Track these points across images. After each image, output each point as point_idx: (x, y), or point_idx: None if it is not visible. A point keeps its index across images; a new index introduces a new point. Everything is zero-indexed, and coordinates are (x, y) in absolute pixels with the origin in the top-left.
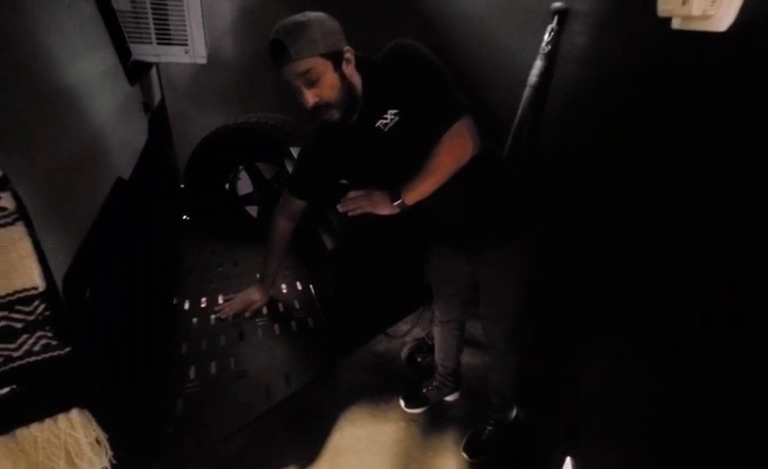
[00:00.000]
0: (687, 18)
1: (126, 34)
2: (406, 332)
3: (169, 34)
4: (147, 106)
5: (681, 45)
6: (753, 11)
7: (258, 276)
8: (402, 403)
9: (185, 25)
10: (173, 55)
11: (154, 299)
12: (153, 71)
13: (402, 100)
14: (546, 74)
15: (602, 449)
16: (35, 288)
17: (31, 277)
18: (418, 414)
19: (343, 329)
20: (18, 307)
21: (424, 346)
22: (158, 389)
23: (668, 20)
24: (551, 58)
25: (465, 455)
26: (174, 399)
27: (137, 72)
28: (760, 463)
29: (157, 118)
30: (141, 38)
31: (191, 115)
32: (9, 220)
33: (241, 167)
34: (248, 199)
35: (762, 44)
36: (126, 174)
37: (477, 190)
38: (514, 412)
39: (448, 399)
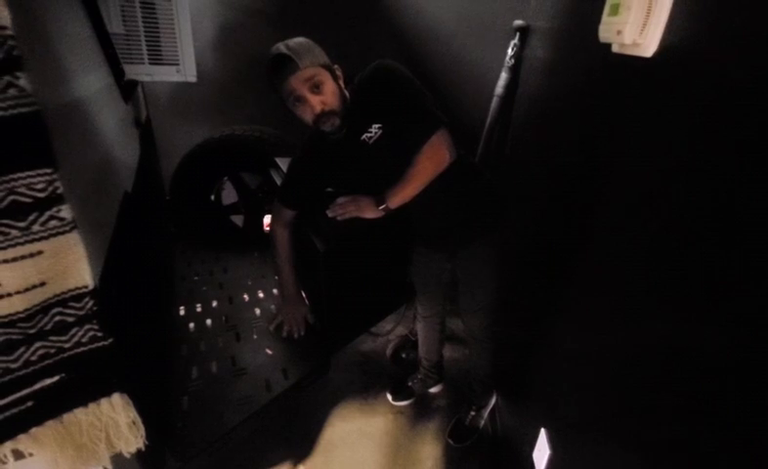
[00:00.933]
0: (622, 45)
1: (120, 55)
2: (390, 331)
3: (161, 54)
4: (137, 121)
5: (619, 66)
6: (671, 41)
7: (283, 293)
8: (389, 396)
9: (176, 46)
10: (165, 74)
11: (158, 304)
12: (139, 89)
13: (384, 115)
14: (511, 85)
15: (573, 420)
16: (86, 286)
17: (83, 277)
18: (405, 406)
19: (334, 327)
20: (71, 303)
21: (408, 343)
22: (165, 387)
23: (609, 45)
24: (515, 70)
25: (451, 441)
26: (179, 396)
27: (129, 91)
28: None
29: (145, 133)
30: (133, 59)
31: (175, 130)
32: (67, 228)
33: (226, 178)
34: (233, 209)
35: (678, 67)
36: (129, 187)
37: (453, 192)
38: (494, 398)
39: (433, 390)
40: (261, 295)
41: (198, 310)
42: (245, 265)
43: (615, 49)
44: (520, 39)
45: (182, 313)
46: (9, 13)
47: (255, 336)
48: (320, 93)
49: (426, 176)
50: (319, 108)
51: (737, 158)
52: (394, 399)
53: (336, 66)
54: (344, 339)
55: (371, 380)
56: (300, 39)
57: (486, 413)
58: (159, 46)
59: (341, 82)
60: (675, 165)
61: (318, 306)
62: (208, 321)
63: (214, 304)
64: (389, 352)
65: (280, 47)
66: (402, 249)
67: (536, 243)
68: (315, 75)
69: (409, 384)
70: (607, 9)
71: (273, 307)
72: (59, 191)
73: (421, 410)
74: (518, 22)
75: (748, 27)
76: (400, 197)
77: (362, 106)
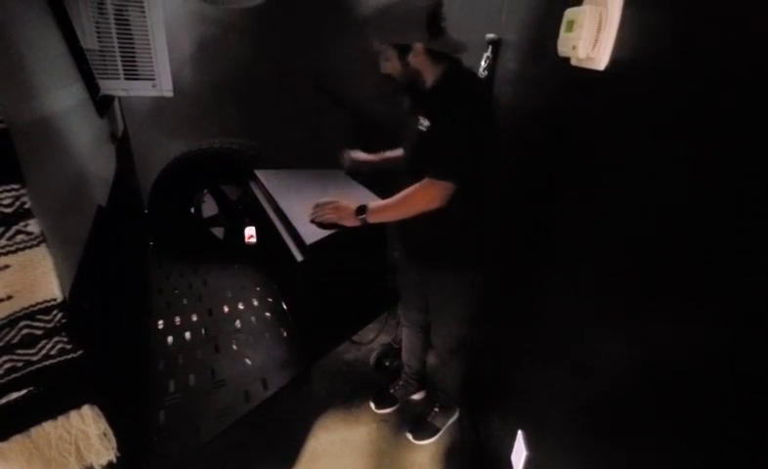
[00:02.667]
0: (578, 58)
1: (94, 71)
2: (373, 339)
3: (136, 70)
4: (113, 135)
5: (577, 78)
6: (620, 55)
7: None
8: (372, 405)
9: (151, 61)
10: (140, 89)
11: (133, 317)
12: (116, 103)
13: (435, 121)
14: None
15: (547, 419)
16: (54, 299)
17: (52, 290)
18: (388, 414)
19: (314, 336)
20: (39, 316)
21: (391, 351)
22: (141, 400)
23: (567, 58)
24: (488, 81)
25: (410, 436)
26: (156, 410)
27: (104, 105)
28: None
29: (121, 148)
30: (108, 74)
31: (152, 144)
32: (35, 242)
33: (206, 191)
34: (213, 221)
35: (627, 79)
36: (103, 202)
37: (432, 219)
38: (456, 414)
39: (415, 397)
40: (241, 307)
41: (177, 323)
42: (225, 277)
43: (573, 62)
44: (492, 52)
45: (160, 326)
46: None
47: (235, 347)
48: (385, 62)
49: (411, 208)
50: (383, 72)
51: (682, 162)
52: (377, 406)
53: (419, 47)
54: (325, 348)
55: (355, 389)
56: (386, 5)
57: (450, 419)
58: (135, 61)
59: (413, 59)
60: (630, 170)
61: (297, 316)
62: (187, 334)
63: (194, 317)
64: (372, 360)
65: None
66: (381, 257)
67: (506, 249)
68: (380, 51)
69: (391, 391)
70: (563, 25)
71: (253, 318)
72: (26, 206)
73: (405, 419)
74: (490, 36)
75: (686, 41)
76: (380, 216)
77: (435, 99)
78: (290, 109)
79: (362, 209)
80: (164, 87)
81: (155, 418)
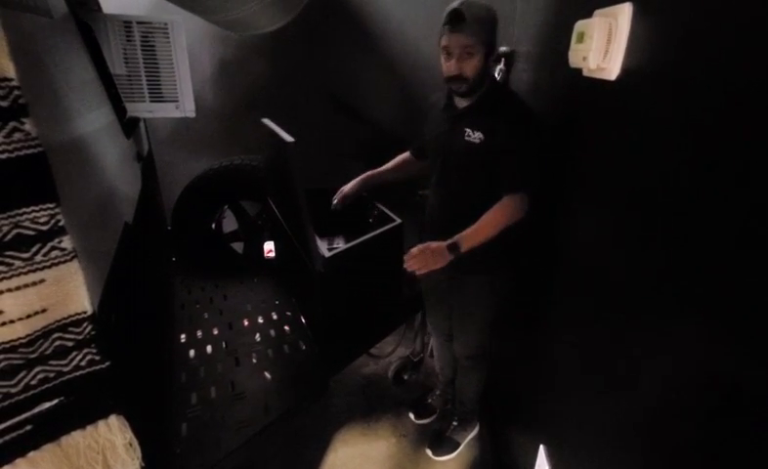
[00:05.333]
0: (589, 69)
1: (122, 94)
2: (391, 352)
3: (161, 92)
4: (139, 155)
5: (588, 88)
6: (631, 65)
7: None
8: (411, 416)
9: (175, 84)
10: (165, 111)
11: (157, 331)
12: (141, 124)
13: (494, 135)
14: None
15: (574, 436)
16: (85, 312)
17: (83, 303)
18: (408, 432)
19: (332, 349)
20: (70, 328)
21: (409, 364)
22: (164, 412)
23: (579, 69)
24: None
25: (429, 452)
26: (179, 423)
27: (131, 127)
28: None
29: (147, 166)
30: (134, 97)
31: (175, 162)
32: (68, 257)
33: (226, 207)
34: (234, 236)
35: (639, 88)
36: (130, 218)
37: (476, 215)
38: (477, 428)
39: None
40: (261, 320)
41: (199, 336)
42: (245, 291)
43: (585, 72)
44: (505, 64)
45: (183, 340)
46: (12, 64)
47: (255, 361)
48: (465, 61)
49: (499, 228)
50: (456, 72)
51: (694, 167)
52: (416, 417)
53: (498, 51)
54: (343, 361)
55: (373, 403)
56: (482, 4)
57: (470, 433)
58: (159, 84)
59: (491, 64)
60: (644, 179)
61: (315, 328)
62: (208, 348)
63: (215, 331)
64: (391, 374)
65: (463, 3)
66: (399, 268)
67: (528, 257)
68: (470, 46)
69: (429, 401)
70: (574, 37)
71: (272, 331)
72: (60, 224)
73: (424, 435)
74: (503, 49)
75: (695, 49)
76: (471, 243)
77: (488, 108)
78: (309, 126)
79: (453, 245)
80: (187, 108)
81: (178, 430)
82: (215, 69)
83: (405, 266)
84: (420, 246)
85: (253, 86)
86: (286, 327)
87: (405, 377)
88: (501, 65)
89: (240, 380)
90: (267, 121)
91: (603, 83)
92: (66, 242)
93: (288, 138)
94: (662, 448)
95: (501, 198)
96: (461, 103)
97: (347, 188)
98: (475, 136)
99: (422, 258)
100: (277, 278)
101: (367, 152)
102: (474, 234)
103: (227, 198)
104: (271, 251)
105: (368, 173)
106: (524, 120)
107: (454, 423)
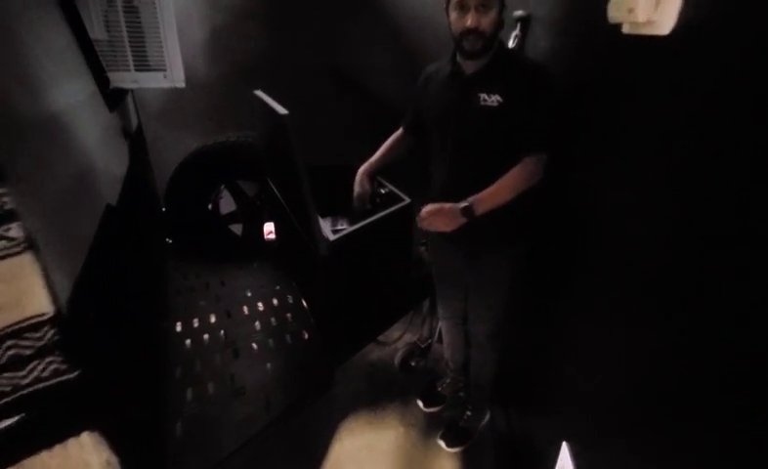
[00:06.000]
0: (634, 23)
1: (104, 62)
2: (398, 338)
3: (147, 60)
4: (125, 131)
5: (631, 47)
6: (690, 16)
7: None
8: (420, 403)
9: (162, 51)
10: (152, 80)
11: (147, 322)
12: (129, 97)
13: (514, 96)
14: None
15: (599, 432)
16: (44, 314)
17: (41, 303)
18: (417, 421)
19: (337, 337)
20: (27, 334)
21: (417, 350)
22: (156, 413)
23: (619, 25)
24: None
25: (443, 443)
26: (173, 422)
27: (115, 99)
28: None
29: (136, 143)
30: (118, 66)
31: (167, 139)
32: (18, 249)
33: (223, 187)
34: (232, 218)
35: (700, 43)
36: (113, 200)
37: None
38: (488, 415)
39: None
40: (261, 307)
41: (195, 325)
42: (244, 276)
43: (625, 29)
44: (521, 29)
45: (178, 329)
46: None
47: (255, 352)
48: (483, 14)
49: (517, 189)
50: (473, 25)
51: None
52: (425, 405)
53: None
54: (348, 351)
55: (380, 392)
56: None
57: (482, 421)
58: (145, 51)
59: (502, 21)
60: (699, 154)
61: (319, 316)
62: (205, 337)
63: (212, 319)
64: (397, 361)
65: None
66: (407, 252)
67: (553, 242)
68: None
69: (439, 389)
70: None
71: (273, 319)
72: (7, 208)
73: (432, 423)
74: (518, 13)
75: None
76: (486, 205)
77: (499, 68)
78: (309, 100)
79: (468, 209)
80: (176, 77)
81: (172, 430)
82: (207, 38)
83: (418, 224)
84: (432, 206)
85: (249, 55)
86: (288, 315)
87: (413, 364)
88: (517, 31)
89: (240, 373)
90: (260, 93)
91: (651, 40)
92: (16, 230)
93: (282, 110)
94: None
95: (521, 159)
96: (471, 66)
97: (359, 189)
98: (492, 99)
99: (433, 219)
100: (277, 262)
101: (373, 126)
102: (490, 197)
103: (223, 178)
104: (271, 233)
105: (365, 168)
106: (544, 76)
107: (468, 413)
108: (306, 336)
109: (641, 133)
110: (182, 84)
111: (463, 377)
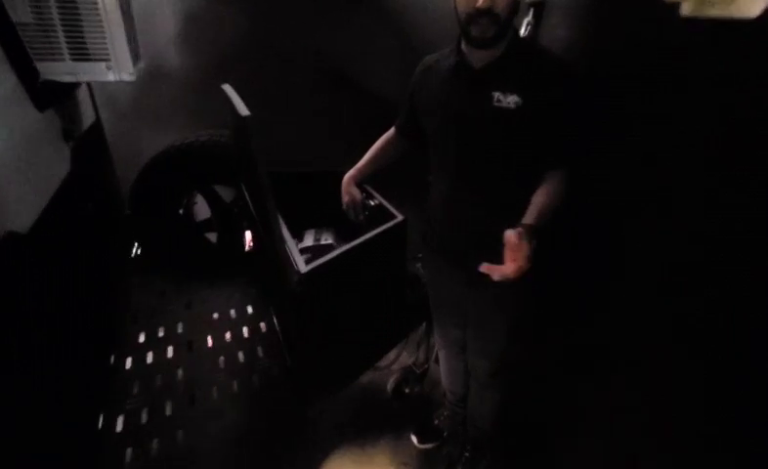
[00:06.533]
0: (702, 3)
1: (31, 51)
2: (392, 361)
3: (86, 48)
4: (68, 132)
5: (696, 35)
6: None
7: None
8: (413, 438)
9: (104, 37)
10: (92, 72)
11: (85, 360)
12: (84, 91)
13: (536, 97)
14: None
15: None
16: None
17: None
18: (411, 459)
19: (314, 379)
20: None
21: (411, 376)
22: None
23: (674, 4)
24: None
25: None
26: None
27: (50, 95)
28: None
29: (87, 144)
30: (51, 55)
31: (136, 136)
32: None
33: (196, 191)
34: (207, 225)
35: None
36: (26, 221)
37: (500, 205)
38: (487, 458)
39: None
40: (228, 338)
41: (149, 361)
42: (214, 297)
43: (686, 12)
44: (534, 16)
45: (127, 366)
46: None
47: (215, 399)
48: None
49: (558, 202)
50: (485, 5)
51: None
52: (419, 441)
53: None
54: (329, 387)
55: (369, 422)
56: None
57: (482, 466)
58: (82, 37)
59: (518, 3)
60: None
61: (293, 354)
62: (158, 379)
63: (169, 353)
64: (390, 386)
65: None
66: (399, 277)
67: (575, 263)
68: None
69: (436, 422)
70: None
71: (240, 354)
72: None
73: (429, 463)
74: None
75: None
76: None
77: (520, 62)
78: (292, 95)
79: (531, 229)
80: (122, 69)
81: None
82: (180, 25)
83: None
84: (514, 245)
85: (226, 46)
86: (259, 348)
87: (407, 390)
88: (529, 18)
89: (193, 430)
90: (226, 88)
91: (729, 24)
92: None
93: (244, 110)
94: None
95: (545, 175)
96: (481, 58)
97: (348, 198)
98: (508, 100)
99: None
100: (254, 279)
101: (363, 126)
102: (544, 215)
103: (195, 182)
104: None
105: (351, 174)
106: (572, 73)
107: (466, 455)
108: (276, 374)
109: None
110: (130, 77)
111: (463, 410)
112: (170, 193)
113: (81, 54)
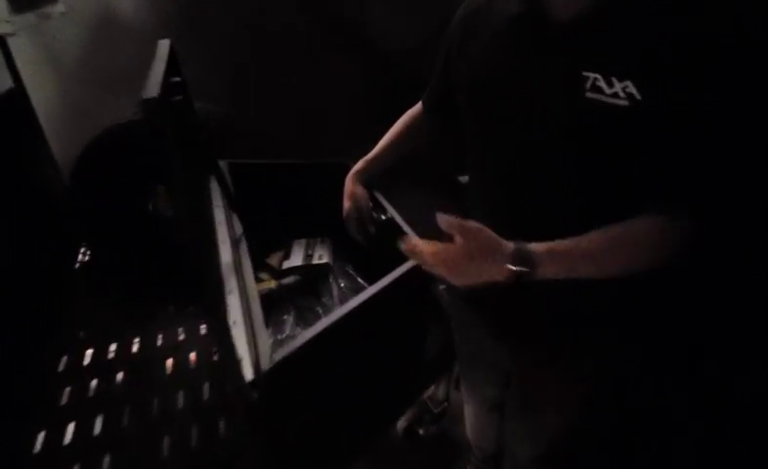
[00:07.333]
0: None
1: None
2: None
3: None
4: None
5: None
6: None
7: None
8: None
9: None
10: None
11: None
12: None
13: (666, 86)
14: None
15: None
16: None
17: None
18: None
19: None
20: None
21: (427, 415)
22: None
23: None
24: None
25: None
26: None
27: None
28: None
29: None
30: None
31: (79, 105)
32: None
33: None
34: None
35: None
36: None
37: None
38: None
39: None
40: (181, 401)
41: (66, 441)
42: (173, 328)
43: None
44: None
45: (37, 448)
46: None
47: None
48: None
49: (628, 264)
50: None
51: None
52: None
53: None
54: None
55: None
56: None
57: None
58: None
59: None
60: None
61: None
62: None
63: (96, 428)
64: (401, 426)
65: None
66: (423, 323)
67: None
68: None
69: None
70: None
71: (193, 432)
72: None
73: None
74: None
75: None
76: (562, 269)
77: (646, 26)
78: (283, 59)
79: (525, 257)
80: None
81: None
82: None
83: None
84: (447, 220)
85: None
86: (221, 424)
87: (421, 432)
88: None
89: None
90: (162, 43)
91: None
92: None
93: (152, 91)
94: None
95: (646, 214)
96: (568, 3)
97: (350, 205)
98: (615, 89)
99: (444, 255)
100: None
101: (379, 104)
102: (568, 256)
103: (155, 169)
104: None
105: (358, 168)
106: (744, 42)
107: None
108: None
109: None
110: (8, 28)
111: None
112: (119, 184)
113: None
